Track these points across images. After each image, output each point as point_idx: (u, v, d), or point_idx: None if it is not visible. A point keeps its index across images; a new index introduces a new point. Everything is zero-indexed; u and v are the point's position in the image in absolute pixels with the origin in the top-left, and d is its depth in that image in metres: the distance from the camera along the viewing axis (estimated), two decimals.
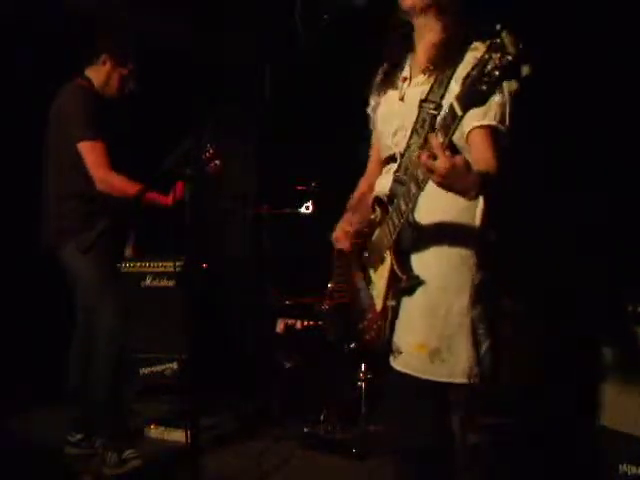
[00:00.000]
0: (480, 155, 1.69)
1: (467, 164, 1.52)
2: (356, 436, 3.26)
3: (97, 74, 3.25)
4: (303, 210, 3.62)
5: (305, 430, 3.42)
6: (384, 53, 1.96)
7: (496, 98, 1.41)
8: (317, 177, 3.69)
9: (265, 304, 4.07)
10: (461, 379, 1.71)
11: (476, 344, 1.72)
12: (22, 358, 3.87)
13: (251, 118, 4.92)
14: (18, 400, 3.67)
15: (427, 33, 1.83)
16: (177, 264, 3.90)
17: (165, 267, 4.22)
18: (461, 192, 1.57)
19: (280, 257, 4.00)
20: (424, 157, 1.50)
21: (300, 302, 3.93)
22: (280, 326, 3.96)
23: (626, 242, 3.21)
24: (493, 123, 1.68)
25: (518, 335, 3.24)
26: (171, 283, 4.20)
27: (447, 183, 1.51)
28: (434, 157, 1.48)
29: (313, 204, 3.65)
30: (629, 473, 2.52)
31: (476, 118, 1.67)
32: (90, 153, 3.05)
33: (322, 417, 3.44)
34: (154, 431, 3.40)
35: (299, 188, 3.75)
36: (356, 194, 2.13)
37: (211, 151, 3.09)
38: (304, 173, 3.79)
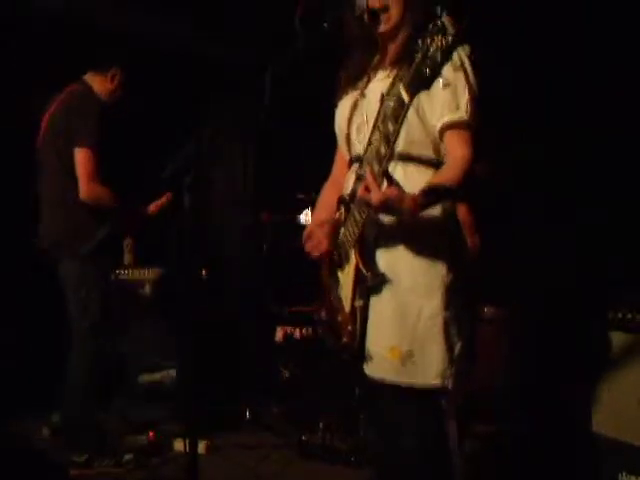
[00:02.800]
0: (455, 153, 1.68)
1: (400, 193, 1.56)
2: (354, 444, 3.25)
3: (102, 85, 3.24)
4: (303, 217, 3.63)
5: (303, 438, 3.41)
6: (345, 62, 1.91)
7: (441, 81, 1.40)
8: (318, 186, 3.70)
9: (264, 312, 4.07)
10: (435, 382, 1.67)
11: (449, 346, 1.68)
12: (22, 358, 3.86)
13: (251, 123, 4.91)
14: (18, 401, 3.65)
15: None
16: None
17: None
18: (397, 215, 1.63)
19: (279, 265, 4.00)
20: (361, 191, 1.58)
21: (299, 310, 3.92)
22: (279, 334, 3.95)
23: (610, 249, 3.20)
24: (465, 118, 1.66)
25: (506, 341, 3.24)
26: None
27: (382, 212, 1.62)
28: (368, 190, 1.55)
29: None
30: None
31: (447, 113, 1.66)
32: (85, 162, 3.05)
33: (320, 425, 3.43)
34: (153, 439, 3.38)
35: (299, 196, 3.76)
36: (321, 198, 2.11)
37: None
38: (304, 181, 3.80)
